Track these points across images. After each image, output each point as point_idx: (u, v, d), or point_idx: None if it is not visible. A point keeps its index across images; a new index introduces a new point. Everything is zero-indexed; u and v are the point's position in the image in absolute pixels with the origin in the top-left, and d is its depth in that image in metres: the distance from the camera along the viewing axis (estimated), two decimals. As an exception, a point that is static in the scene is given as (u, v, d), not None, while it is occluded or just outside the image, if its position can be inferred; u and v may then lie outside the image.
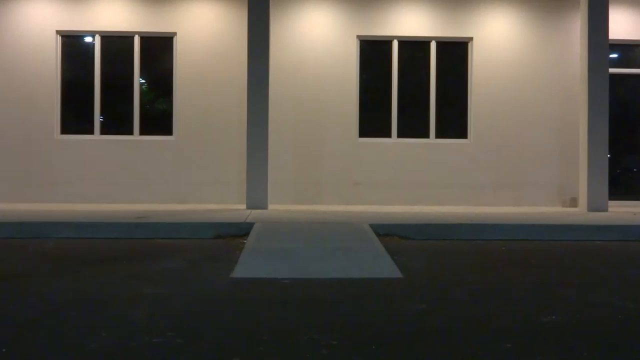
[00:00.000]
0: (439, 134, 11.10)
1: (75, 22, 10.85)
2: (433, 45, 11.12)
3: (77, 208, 9.47)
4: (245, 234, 6.99)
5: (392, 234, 7.29)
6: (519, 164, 11.08)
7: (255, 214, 8.60)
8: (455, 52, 11.18)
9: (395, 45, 11.10)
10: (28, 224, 7.30)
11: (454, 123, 11.15)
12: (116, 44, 10.97)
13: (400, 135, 11.07)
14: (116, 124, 10.94)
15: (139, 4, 10.90)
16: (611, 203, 10.28)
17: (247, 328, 3.57)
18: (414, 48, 11.20)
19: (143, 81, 11.02)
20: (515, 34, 11.13)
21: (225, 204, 10.73)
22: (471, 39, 11.09)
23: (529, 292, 4.61)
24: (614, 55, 11.23)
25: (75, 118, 10.93)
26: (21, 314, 3.83)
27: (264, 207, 9.46)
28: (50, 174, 10.74)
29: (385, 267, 5.41)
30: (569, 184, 10.94)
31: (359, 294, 4.50)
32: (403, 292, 4.59)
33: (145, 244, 6.81)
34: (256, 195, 9.49)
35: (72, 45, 10.96)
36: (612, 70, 10.67)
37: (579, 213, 9.50)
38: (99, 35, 10.90)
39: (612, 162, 11.04)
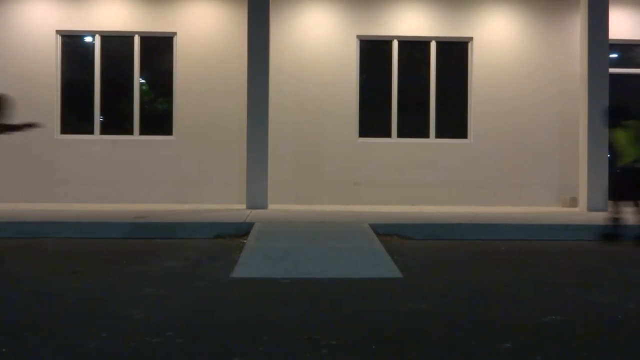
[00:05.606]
0: (439, 134, 11.09)
1: (75, 22, 10.84)
2: (433, 45, 11.12)
3: (77, 208, 9.47)
4: (245, 234, 6.99)
5: (392, 234, 7.29)
6: (519, 164, 11.07)
7: (255, 214, 8.60)
8: (455, 52, 11.18)
9: (395, 45, 11.09)
10: (28, 224, 7.31)
11: (454, 123, 11.14)
12: (116, 44, 10.97)
13: (400, 135, 11.06)
14: (116, 124, 10.93)
15: (139, 4, 10.90)
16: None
17: (247, 328, 3.57)
18: (414, 48, 11.19)
19: (143, 81, 11.01)
20: (515, 33, 11.13)
21: (225, 204, 10.72)
22: (471, 39, 11.09)
23: (529, 292, 4.61)
24: (614, 55, 11.22)
25: (75, 118, 10.93)
26: (21, 314, 3.83)
27: (264, 207, 9.46)
28: (50, 174, 10.73)
29: (385, 267, 5.41)
30: (569, 184, 10.93)
31: (359, 294, 4.51)
32: (403, 292, 4.59)
33: (145, 244, 6.81)
34: (256, 195, 9.49)
35: (72, 45, 10.96)
36: (612, 70, 10.65)
37: (579, 213, 9.50)
38: (99, 35, 10.90)
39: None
